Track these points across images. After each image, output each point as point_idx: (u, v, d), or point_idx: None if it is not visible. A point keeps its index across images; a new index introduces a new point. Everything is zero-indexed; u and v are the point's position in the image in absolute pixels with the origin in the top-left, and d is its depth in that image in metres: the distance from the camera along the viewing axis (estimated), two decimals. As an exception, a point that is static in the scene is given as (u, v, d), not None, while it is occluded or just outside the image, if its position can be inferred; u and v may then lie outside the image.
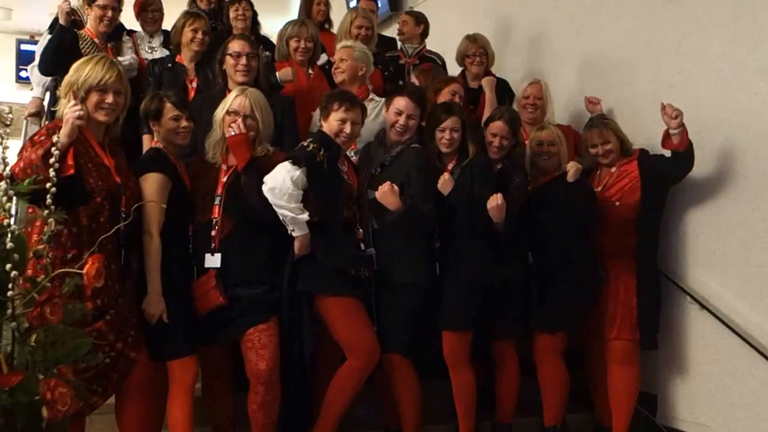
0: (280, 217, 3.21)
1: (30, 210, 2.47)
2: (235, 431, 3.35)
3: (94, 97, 2.87)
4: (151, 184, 3.06)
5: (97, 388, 2.79)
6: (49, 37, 4.58)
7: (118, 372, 2.85)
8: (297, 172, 3.20)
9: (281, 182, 3.18)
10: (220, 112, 3.32)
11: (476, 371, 3.66)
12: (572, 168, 3.80)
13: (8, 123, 9.70)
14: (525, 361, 3.85)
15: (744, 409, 3.61)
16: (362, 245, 3.47)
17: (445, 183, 3.53)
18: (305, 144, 3.35)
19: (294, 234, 3.23)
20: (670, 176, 3.86)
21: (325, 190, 3.33)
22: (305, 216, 3.22)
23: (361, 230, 3.49)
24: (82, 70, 2.87)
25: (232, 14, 4.94)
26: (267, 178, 3.21)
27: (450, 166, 3.66)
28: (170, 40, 4.60)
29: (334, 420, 3.31)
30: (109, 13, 4.36)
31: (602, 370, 3.85)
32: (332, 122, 3.40)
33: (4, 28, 9.33)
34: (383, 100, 3.99)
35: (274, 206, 3.20)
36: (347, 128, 3.39)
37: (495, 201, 3.50)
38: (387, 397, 3.58)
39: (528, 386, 3.83)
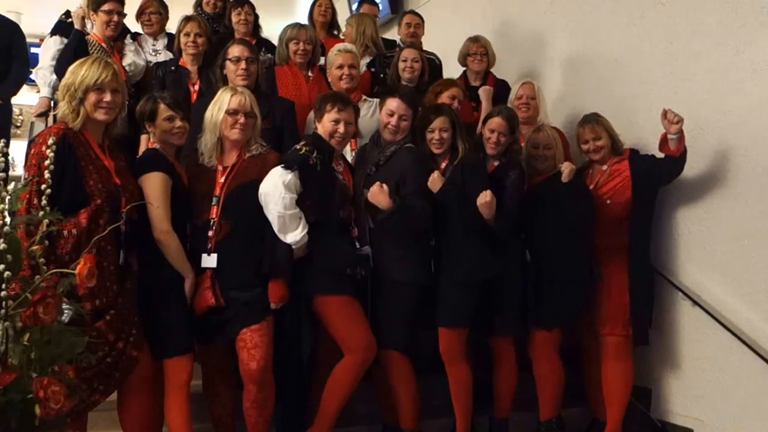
0: (274, 228, 3.24)
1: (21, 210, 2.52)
2: (235, 427, 3.39)
3: (92, 97, 2.89)
4: (155, 183, 3.09)
5: (99, 386, 2.83)
6: (52, 39, 4.67)
7: (120, 370, 2.89)
8: (289, 176, 3.23)
9: (273, 187, 3.21)
10: (217, 114, 3.30)
11: (473, 367, 3.70)
12: (566, 168, 3.85)
13: (18, 125, 9.84)
14: (521, 356, 3.89)
15: (736, 402, 3.65)
16: (357, 244, 3.51)
17: (434, 181, 3.57)
18: (298, 147, 3.36)
19: (288, 241, 3.25)
20: (661, 178, 3.92)
21: (320, 192, 3.35)
22: (300, 234, 3.25)
23: (356, 229, 3.52)
24: (78, 72, 2.90)
25: (234, 18, 4.98)
26: (261, 185, 3.24)
27: (443, 165, 3.70)
28: (173, 45, 4.69)
29: (332, 415, 3.35)
30: (115, 18, 4.46)
31: (597, 365, 3.91)
32: (326, 123, 3.43)
33: (15, 31, 9.45)
34: (376, 101, 4.06)
35: (267, 212, 3.23)
36: (341, 128, 3.42)
37: (484, 198, 3.54)
38: (384, 392, 3.63)
39: (524, 381, 3.88)
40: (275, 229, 3.24)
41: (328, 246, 3.37)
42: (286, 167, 3.26)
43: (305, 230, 3.27)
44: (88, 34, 4.56)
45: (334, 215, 3.41)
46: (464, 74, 5.02)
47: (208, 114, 3.34)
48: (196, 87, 4.39)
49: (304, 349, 3.40)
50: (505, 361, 3.85)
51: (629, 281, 3.83)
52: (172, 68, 4.46)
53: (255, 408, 3.18)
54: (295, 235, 3.24)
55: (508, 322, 3.80)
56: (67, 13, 4.82)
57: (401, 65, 4.57)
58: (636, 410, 4.02)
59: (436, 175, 3.59)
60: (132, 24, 4.96)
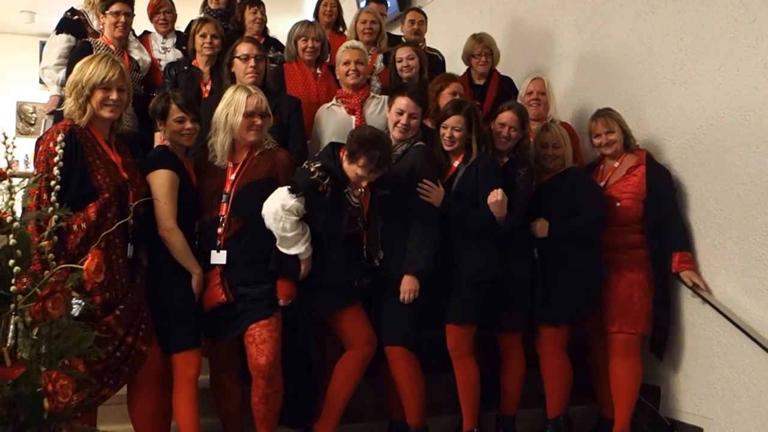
0: (277, 240, 3.24)
1: (31, 206, 2.54)
2: (243, 422, 3.42)
3: (98, 95, 2.91)
4: (161, 180, 3.11)
5: (108, 380, 2.87)
6: (58, 37, 4.69)
7: (129, 365, 2.92)
8: (291, 201, 3.18)
9: (274, 211, 3.18)
10: (234, 116, 3.25)
11: (480, 363, 3.71)
12: (539, 226, 3.82)
13: (32, 122, 9.92)
14: (529, 353, 3.90)
15: (745, 401, 3.63)
16: (366, 253, 3.49)
17: (435, 196, 3.54)
18: (311, 169, 3.29)
19: (289, 253, 3.25)
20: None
21: (324, 218, 3.32)
22: (301, 249, 3.25)
23: (365, 251, 3.49)
24: (86, 69, 2.92)
25: (249, 17, 5.04)
26: (264, 204, 3.22)
27: (455, 164, 3.69)
28: (186, 46, 4.70)
29: (339, 409, 3.41)
30: (123, 19, 4.46)
31: (605, 363, 3.90)
32: (352, 171, 3.31)
33: (28, 31, 9.49)
34: (384, 97, 4.05)
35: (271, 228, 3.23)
36: (363, 183, 3.37)
37: (495, 196, 3.54)
38: (391, 388, 3.64)
39: (532, 378, 3.88)
40: (277, 243, 3.24)
41: (331, 260, 3.36)
42: (292, 191, 3.21)
43: (306, 244, 3.26)
44: (87, 26, 4.60)
45: (339, 234, 3.38)
46: (468, 71, 5.01)
47: (221, 114, 3.30)
48: (208, 87, 4.40)
49: (309, 344, 3.43)
50: (513, 358, 3.85)
51: (649, 286, 3.84)
52: (185, 68, 4.49)
53: (263, 403, 3.21)
54: (297, 249, 3.25)
55: (515, 318, 3.80)
56: (72, 10, 4.84)
57: (398, 65, 4.51)
58: (645, 408, 4.00)
59: (435, 194, 3.55)
60: (139, 22, 4.96)
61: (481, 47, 4.86)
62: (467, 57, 4.94)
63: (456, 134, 3.64)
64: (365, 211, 3.48)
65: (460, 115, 3.63)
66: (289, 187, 3.22)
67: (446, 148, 3.69)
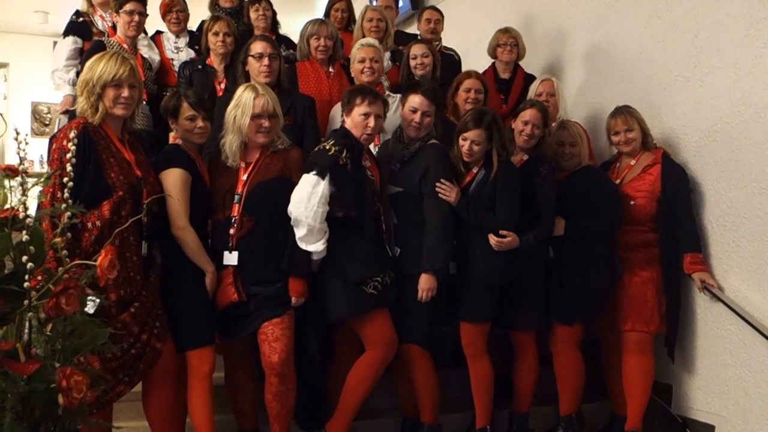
0: (297, 235, 3.23)
1: (46, 204, 2.55)
2: (257, 418, 3.43)
3: (110, 93, 2.91)
4: (173, 179, 3.11)
5: (124, 377, 2.89)
6: (66, 39, 4.74)
7: (144, 362, 2.94)
8: (321, 185, 3.20)
9: (306, 198, 3.18)
10: (241, 118, 3.25)
11: (494, 361, 3.71)
12: (559, 224, 3.81)
13: (47, 123, 10.00)
14: (541, 351, 3.90)
15: (758, 398, 3.62)
16: (386, 241, 3.48)
17: (453, 195, 3.53)
18: (327, 147, 3.31)
19: (308, 250, 3.24)
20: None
21: (353, 192, 3.32)
22: (322, 246, 3.24)
23: (384, 227, 3.48)
24: (96, 67, 2.91)
25: (253, 15, 5.03)
26: (293, 195, 3.21)
27: (474, 170, 3.67)
28: (200, 45, 4.72)
29: (353, 408, 3.39)
30: (136, 18, 4.49)
31: (617, 361, 3.89)
32: (355, 117, 3.38)
33: (41, 31, 9.56)
34: (398, 96, 4.04)
35: (294, 221, 3.22)
36: (371, 122, 3.37)
37: (500, 240, 3.55)
38: (405, 385, 3.65)
39: (545, 376, 3.88)
40: (298, 236, 3.23)
41: (359, 250, 3.35)
42: (318, 174, 3.21)
43: (326, 245, 3.26)
44: (92, 26, 4.64)
45: (367, 213, 3.37)
46: (493, 66, 5.04)
47: (230, 116, 3.29)
48: (223, 85, 4.42)
49: (310, 344, 3.44)
50: (526, 356, 3.85)
51: (661, 285, 3.83)
52: (199, 66, 4.51)
53: (277, 400, 3.22)
54: (317, 246, 3.25)
55: (529, 316, 3.81)
56: (77, 13, 4.88)
57: (412, 62, 4.49)
58: (657, 406, 3.99)
59: (453, 193, 3.54)
60: (151, 21, 4.99)
61: (507, 37, 4.93)
62: (493, 49, 5.01)
63: (475, 148, 3.60)
64: (378, 184, 3.50)
65: (480, 129, 3.58)
66: (314, 171, 3.22)
67: (465, 159, 3.66)
